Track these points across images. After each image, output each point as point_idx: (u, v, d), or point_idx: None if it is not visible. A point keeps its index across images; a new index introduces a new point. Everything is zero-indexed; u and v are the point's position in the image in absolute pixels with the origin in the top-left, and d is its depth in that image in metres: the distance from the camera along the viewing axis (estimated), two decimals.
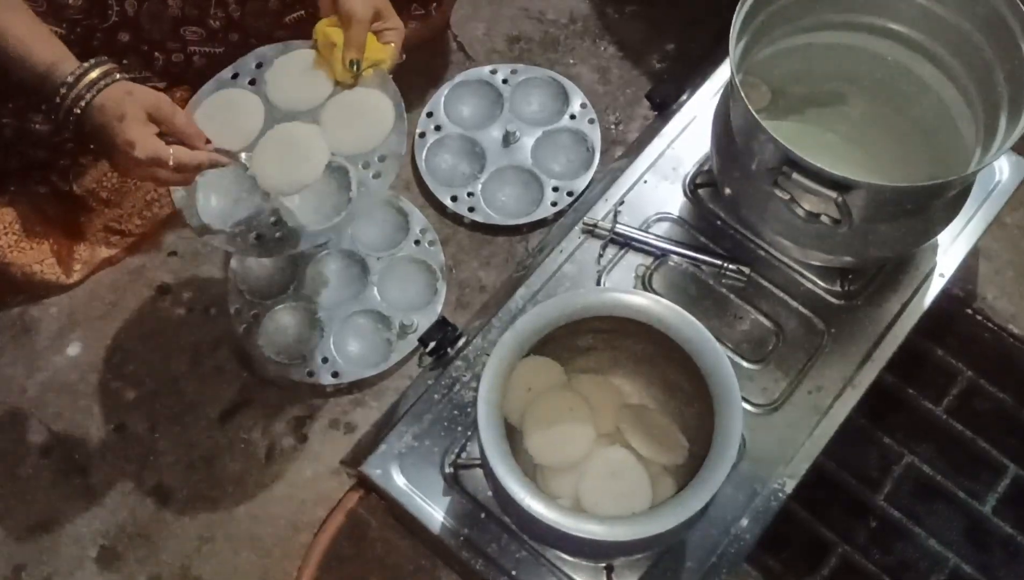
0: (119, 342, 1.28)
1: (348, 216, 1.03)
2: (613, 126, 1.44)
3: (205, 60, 1.23)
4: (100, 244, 1.30)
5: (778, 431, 1.11)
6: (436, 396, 1.12)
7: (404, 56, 1.07)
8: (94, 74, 0.93)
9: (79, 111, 0.93)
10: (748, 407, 1.11)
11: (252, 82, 1.07)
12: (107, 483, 1.21)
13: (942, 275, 1.20)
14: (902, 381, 1.26)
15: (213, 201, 1.04)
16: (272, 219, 1.04)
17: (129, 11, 1.13)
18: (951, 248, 1.21)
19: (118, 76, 0.94)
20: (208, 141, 0.98)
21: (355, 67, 1.03)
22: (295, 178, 1.02)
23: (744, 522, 1.06)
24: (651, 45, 1.50)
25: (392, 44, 1.06)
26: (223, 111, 1.05)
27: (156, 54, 1.20)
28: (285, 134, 1.03)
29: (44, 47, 0.95)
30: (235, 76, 1.08)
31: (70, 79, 0.93)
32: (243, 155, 1.01)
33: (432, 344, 1.15)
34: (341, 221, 1.03)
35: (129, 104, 0.92)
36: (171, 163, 0.93)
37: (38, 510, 1.20)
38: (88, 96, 0.93)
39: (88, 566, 1.17)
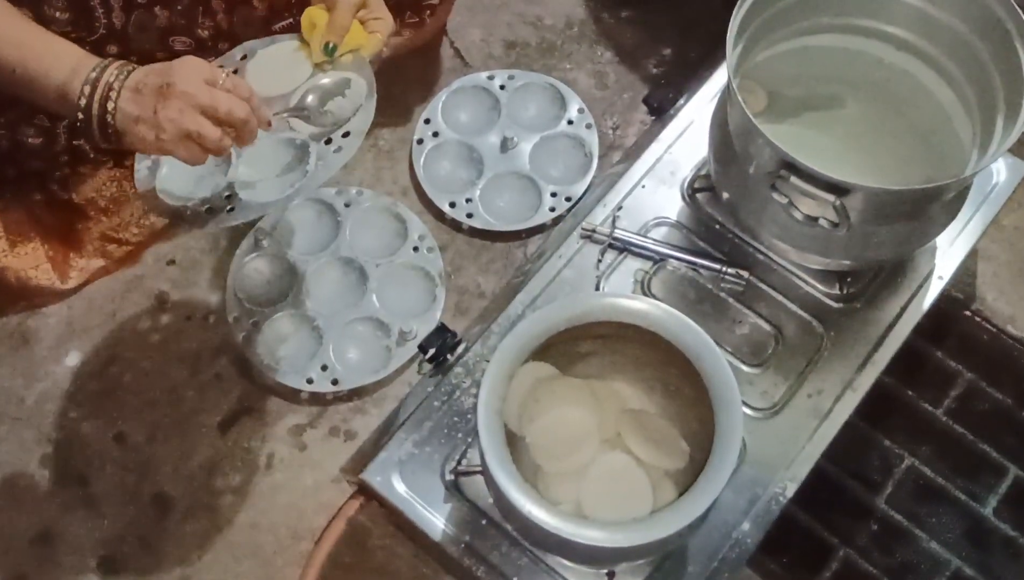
0: (118, 351, 1.28)
1: (302, 189, 1.02)
2: (611, 131, 1.44)
3: None
4: (97, 253, 1.30)
5: (778, 435, 1.11)
6: (436, 403, 1.12)
7: (386, 50, 1.07)
8: (110, 75, 0.91)
9: (119, 84, 0.90)
10: (748, 411, 1.11)
11: (235, 72, 1.07)
12: (107, 493, 1.21)
13: (941, 277, 1.20)
14: (902, 383, 1.26)
15: (177, 178, 1.03)
16: (226, 193, 1.02)
17: (117, 23, 1.13)
18: (949, 250, 1.21)
19: (131, 68, 0.92)
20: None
21: (331, 50, 1.04)
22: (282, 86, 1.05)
23: (745, 526, 1.06)
24: (648, 50, 1.50)
25: (377, 34, 1.06)
26: None
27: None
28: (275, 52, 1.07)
29: (47, 66, 0.92)
30: (220, 68, 1.08)
31: (87, 90, 0.90)
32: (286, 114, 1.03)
33: (431, 351, 1.15)
34: (292, 193, 1.02)
35: (173, 67, 0.91)
36: (221, 80, 0.91)
37: (38, 521, 1.20)
38: (122, 77, 0.91)
39: (88, 576, 1.17)
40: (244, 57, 1.09)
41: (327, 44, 1.04)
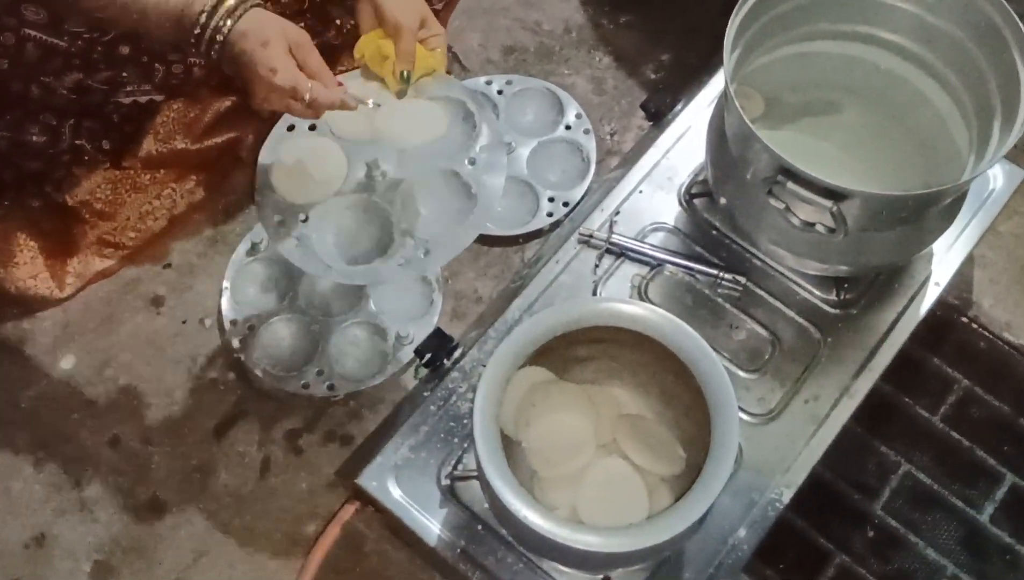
0: (113, 355, 1.28)
1: (478, 212, 1.06)
2: (608, 136, 1.44)
3: (205, 71, 1.23)
4: (94, 257, 1.30)
5: (775, 441, 1.11)
6: (432, 408, 1.12)
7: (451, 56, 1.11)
8: (231, 1, 0.94)
9: (221, 38, 0.94)
10: (745, 417, 1.11)
11: (312, 128, 1.11)
12: (101, 497, 1.20)
13: (937, 284, 1.20)
14: (898, 390, 1.26)
15: (364, 257, 1.10)
16: (422, 251, 1.08)
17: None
18: (946, 256, 1.21)
19: (254, 2, 0.96)
20: (340, 84, 1.02)
21: (407, 78, 1.07)
22: (420, 136, 1.09)
23: (742, 532, 1.06)
24: (646, 55, 1.50)
25: (439, 50, 1.10)
26: (299, 162, 1.10)
27: (156, 66, 1.20)
28: (409, 105, 1.10)
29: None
30: (291, 128, 1.11)
31: (208, 7, 0.94)
32: (371, 101, 1.05)
33: (428, 355, 1.15)
34: (475, 220, 1.06)
35: (272, 31, 0.95)
36: (307, 97, 0.96)
37: (32, 525, 1.19)
38: (229, 23, 0.94)
39: None
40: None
41: (402, 73, 1.07)
